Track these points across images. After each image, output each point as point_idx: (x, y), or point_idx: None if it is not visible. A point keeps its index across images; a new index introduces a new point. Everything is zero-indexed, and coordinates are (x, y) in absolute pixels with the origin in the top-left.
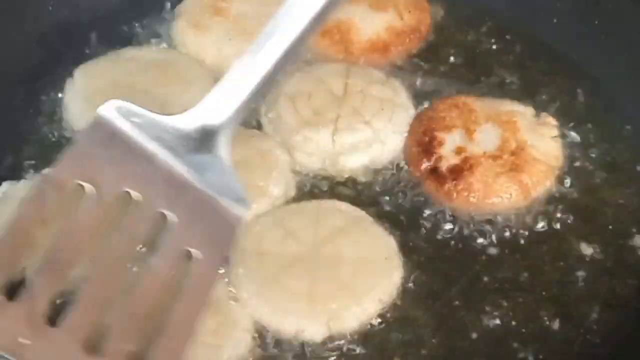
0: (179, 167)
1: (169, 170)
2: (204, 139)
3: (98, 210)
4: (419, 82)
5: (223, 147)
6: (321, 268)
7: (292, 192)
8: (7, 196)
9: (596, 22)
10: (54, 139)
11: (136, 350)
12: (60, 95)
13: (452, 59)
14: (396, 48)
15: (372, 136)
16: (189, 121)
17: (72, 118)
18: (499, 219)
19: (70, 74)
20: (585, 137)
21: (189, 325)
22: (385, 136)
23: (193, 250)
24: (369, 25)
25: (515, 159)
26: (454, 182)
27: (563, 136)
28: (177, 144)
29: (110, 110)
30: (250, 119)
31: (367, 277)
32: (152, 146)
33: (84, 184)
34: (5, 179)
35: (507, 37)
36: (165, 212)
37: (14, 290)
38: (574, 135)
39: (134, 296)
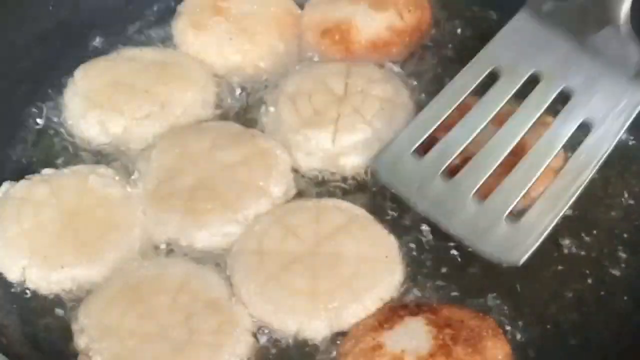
0: (581, 46)
1: (572, 50)
2: (604, 12)
3: (510, 86)
4: (419, 81)
5: (623, 19)
6: (322, 266)
7: (293, 192)
8: (7, 196)
9: None
10: (53, 139)
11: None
12: (60, 95)
13: (452, 58)
14: (396, 47)
15: (372, 136)
16: None
17: (72, 117)
18: None
19: (71, 74)
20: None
21: (576, 177)
22: (385, 136)
23: (591, 118)
24: (369, 25)
25: (516, 159)
26: None
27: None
28: (580, 24)
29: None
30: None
31: (369, 276)
32: (557, 31)
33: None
34: (5, 179)
35: None
36: (567, 85)
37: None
38: (573, 134)
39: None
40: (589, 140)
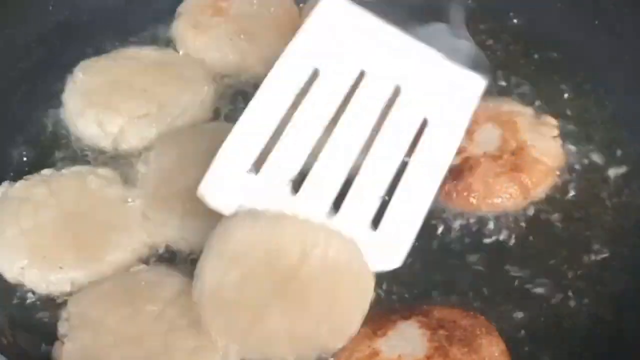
0: (411, 39)
1: (401, 43)
2: (434, 7)
3: (336, 86)
4: None
5: (454, 15)
6: (294, 304)
7: None
8: (6, 196)
9: (596, 23)
10: (53, 139)
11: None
12: (60, 95)
13: None
14: None
15: None
16: None
17: (70, 115)
18: (499, 218)
19: (70, 74)
20: (585, 137)
21: (427, 184)
22: None
23: (430, 117)
24: None
25: (515, 159)
26: (454, 182)
27: (563, 136)
28: (407, 16)
29: None
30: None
31: (344, 300)
32: (383, 23)
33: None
34: (4, 179)
35: (507, 36)
36: (401, 83)
37: None
38: (574, 135)
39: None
40: (432, 138)
